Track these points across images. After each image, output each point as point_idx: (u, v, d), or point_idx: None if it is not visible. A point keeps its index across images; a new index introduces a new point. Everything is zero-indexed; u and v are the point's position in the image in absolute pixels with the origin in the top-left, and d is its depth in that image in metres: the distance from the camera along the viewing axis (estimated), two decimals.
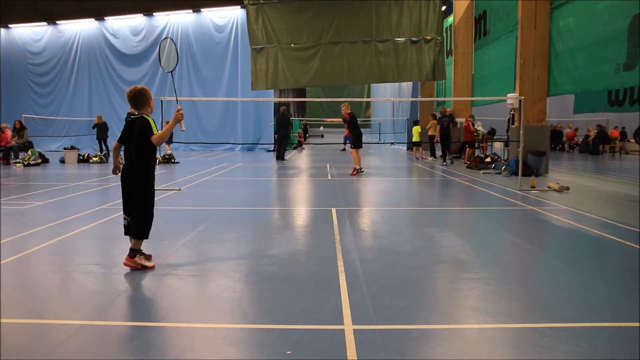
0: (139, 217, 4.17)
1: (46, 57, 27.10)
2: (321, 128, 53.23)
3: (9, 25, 27.12)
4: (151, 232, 5.69)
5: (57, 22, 26.72)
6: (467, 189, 9.84)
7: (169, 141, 18.67)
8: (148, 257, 4.30)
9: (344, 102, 12.82)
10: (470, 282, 3.81)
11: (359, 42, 18.51)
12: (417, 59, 18.43)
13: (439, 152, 19.34)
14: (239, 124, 25.03)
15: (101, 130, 17.91)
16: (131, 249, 4.15)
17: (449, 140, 15.75)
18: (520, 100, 10.62)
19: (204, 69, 25.34)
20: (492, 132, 17.69)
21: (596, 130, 22.17)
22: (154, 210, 4.32)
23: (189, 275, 4.04)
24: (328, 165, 15.42)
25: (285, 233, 5.67)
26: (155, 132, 4.14)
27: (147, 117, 4.21)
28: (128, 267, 4.12)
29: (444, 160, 15.52)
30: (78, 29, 26.61)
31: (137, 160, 4.19)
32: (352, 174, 11.97)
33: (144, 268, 4.13)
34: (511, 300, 3.46)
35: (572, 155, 21.61)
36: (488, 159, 13.77)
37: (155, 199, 4.32)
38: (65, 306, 3.40)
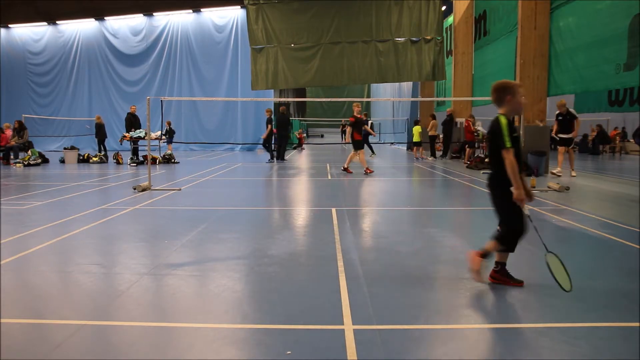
0: (504, 225, 3.65)
1: (46, 57, 27.12)
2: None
3: (9, 25, 27.14)
4: (151, 233, 5.73)
5: (57, 22, 26.75)
6: (467, 189, 9.83)
7: (170, 141, 18.69)
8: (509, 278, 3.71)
9: (355, 102, 12.93)
10: (470, 282, 3.81)
11: (359, 42, 18.52)
12: (417, 59, 18.44)
13: (438, 153, 19.38)
14: (239, 124, 25.06)
15: (100, 130, 17.90)
16: (495, 262, 3.72)
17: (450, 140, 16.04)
18: None
19: (204, 69, 25.36)
20: None
21: (597, 130, 22.17)
22: (518, 225, 3.58)
23: (189, 275, 4.04)
24: (328, 165, 15.43)
25: (285, 233, 5.67)
26: (506, 142, 3.43)
27: (502, 118, 3.56)
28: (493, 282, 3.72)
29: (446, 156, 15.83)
30: (78, 29, 26.63)
31: (493, 166, 3.65)
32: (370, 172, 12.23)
33: (509, 283, 3.66)
34: (512, 300, 3.46)
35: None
36: (488, 159, 13.76)
37: (515, 212, 3.54)
38: (65, 306, 3.40)
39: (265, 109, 18.18)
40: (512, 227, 3.57)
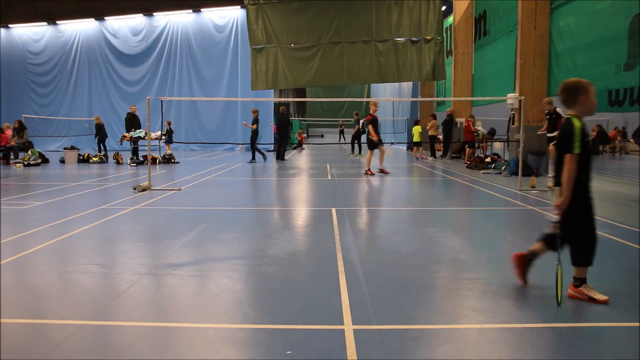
0: (575, 243, 3.41)
1: (46, 57, 27.10)
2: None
3: (9, 25, 27.13)
4: (151, 233, 5.73)
5: (57, 22, 26.73)
6: (467, 189, 9.83)
7: (169, 141, 18.68)
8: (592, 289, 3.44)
9: (372, 100, 12.89)
10: (470, 282, 3.81)
11: (359, 42, 18.53)
12: (417, 59, 18.45)
13: (438, 153, 19.39)
14: (239, 124, 25.05)
15: (100, 130, 17.90)
16: (574, 277, 3.46)
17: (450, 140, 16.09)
18: (520, 100, 10.62)
19: (204, 69, 25.35)
20: (492, 132, 17.69)
21: (597, 130, 22.16)
22: (594, 233, 3.43)
23: (189, 275, 4.04)
24: (328, 165, 15.43)
25: (285, 233, 5.67)
26: (575, 148, 3.23)
27: (575, 121, 3.32)
28: (571, 297, 3.44)
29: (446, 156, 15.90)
30: (78, 29, 26.62)
31: (561, 172, 3.37)
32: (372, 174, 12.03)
33: (592, 300, 3.34)
34: (511, 300, 3.46)
35: None
36: (488, 159, 13.77)
37: (589, 218, 3.44)
38: (65, 306, 3.40)
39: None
40: (581, 237, 3.36)
